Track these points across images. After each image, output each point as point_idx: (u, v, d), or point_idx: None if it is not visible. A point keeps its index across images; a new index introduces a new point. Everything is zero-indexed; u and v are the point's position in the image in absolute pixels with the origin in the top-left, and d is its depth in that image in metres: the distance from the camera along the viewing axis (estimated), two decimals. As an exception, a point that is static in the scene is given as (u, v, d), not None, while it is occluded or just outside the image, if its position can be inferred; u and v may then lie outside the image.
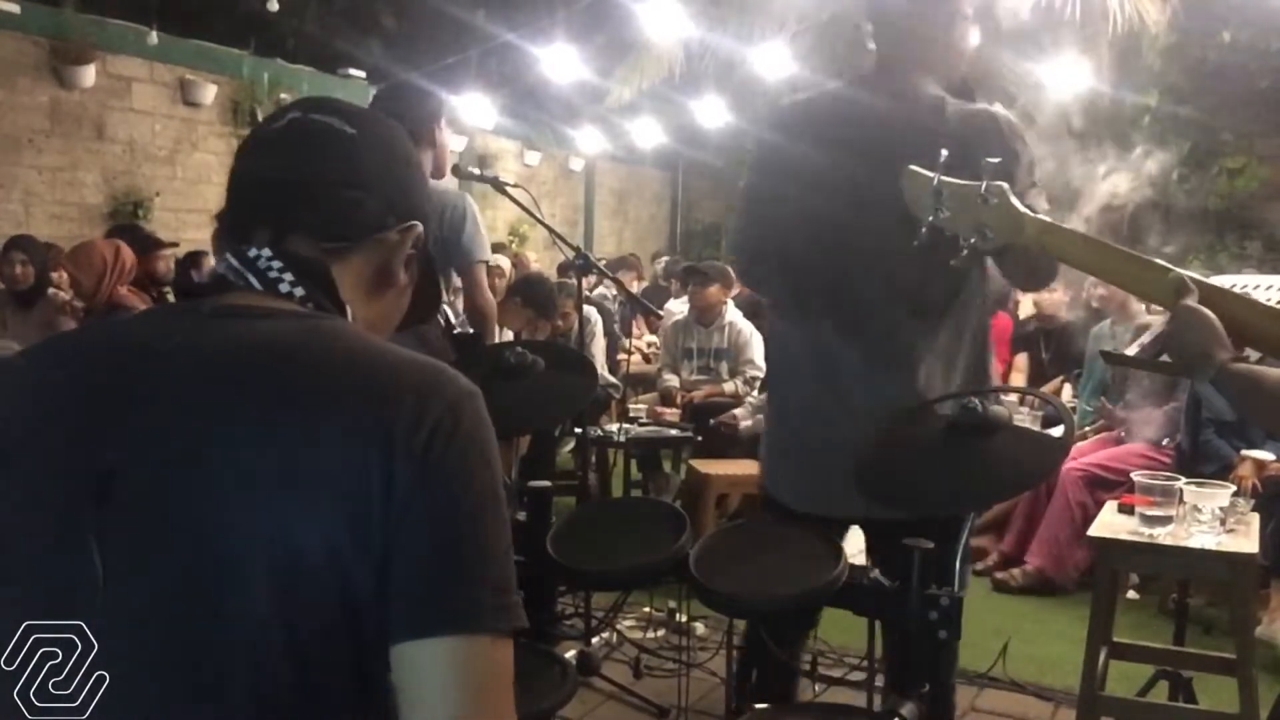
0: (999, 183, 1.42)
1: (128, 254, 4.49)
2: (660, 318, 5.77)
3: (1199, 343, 1.27)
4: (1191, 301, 1.29)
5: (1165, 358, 2.33)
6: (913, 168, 1.49)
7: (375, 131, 0.96)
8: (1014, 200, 1.41)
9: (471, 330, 3.13)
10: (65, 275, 4.61)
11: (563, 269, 7.36)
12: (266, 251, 0.90)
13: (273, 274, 0.90)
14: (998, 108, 2.10)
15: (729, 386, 5.18)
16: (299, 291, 0.90)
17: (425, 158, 3.05)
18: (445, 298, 3.11)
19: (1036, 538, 4.33)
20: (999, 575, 4.32)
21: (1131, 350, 1.90)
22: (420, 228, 0.98)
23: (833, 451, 2.05)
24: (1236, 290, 1.36)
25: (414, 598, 0.79)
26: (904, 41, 2.11)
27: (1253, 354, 1.29)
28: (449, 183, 3.19)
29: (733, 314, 5.37)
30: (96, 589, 0.79)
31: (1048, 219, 1.43)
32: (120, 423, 0.83)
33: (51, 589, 0.81)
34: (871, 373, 2.10)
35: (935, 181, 1.44)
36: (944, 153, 1.49)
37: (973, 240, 1.43)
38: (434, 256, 3.22)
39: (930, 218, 1.46)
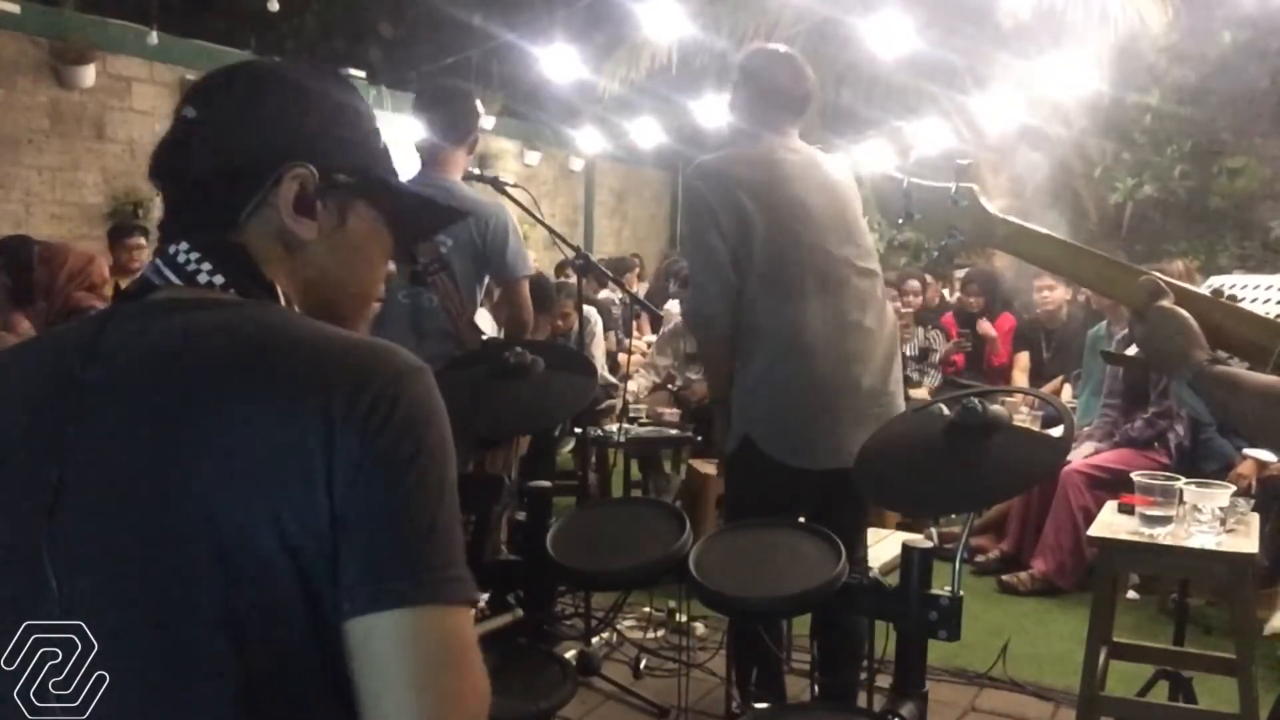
0: (969, 185, 1.43)
1: (97, 268, 4.42)
2: (661, 317, 5.76)
3: (1175, 344, 1.26)
4: (1167, 303, 1.29)
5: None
6: (882, 171, 1.52)
7: (218, 101, 0.93)
8: (984, 202, 1.43)
9: (501, 337, 3.19)
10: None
11: (559, 268, 7.35)
12: (184, 245, 0.91)
13: (191, 266, 0.90)
14: None
15: None
16: (218, 279, 0.89)
17: (465, 160, 3.13)
18: (479, 305, 3.16)
19: (1041, 542, 4.31)
20: (1006, 579, 4.30)
21: (1131, 350, 1.91)
22: (302, 168, 0.91)
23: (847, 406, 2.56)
24: (1207, 292, 1.35)
25: (361, 573, 0.79)
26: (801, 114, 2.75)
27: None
28: (484, 191, 3.24)
29: None
30: (52, 598, 0.80)
31: (1019, 221, 1.44)
32: (65, 430, 0.83)
33: (13, 599, 0.82)
34: (858, 324, 2.61)
35: (905, 184, 1.46)
36: (911, 155, 1.54)
37: (944, 242, 1.44)
38: (468, 265, 3.25)
39: (901, 220, 1.47)
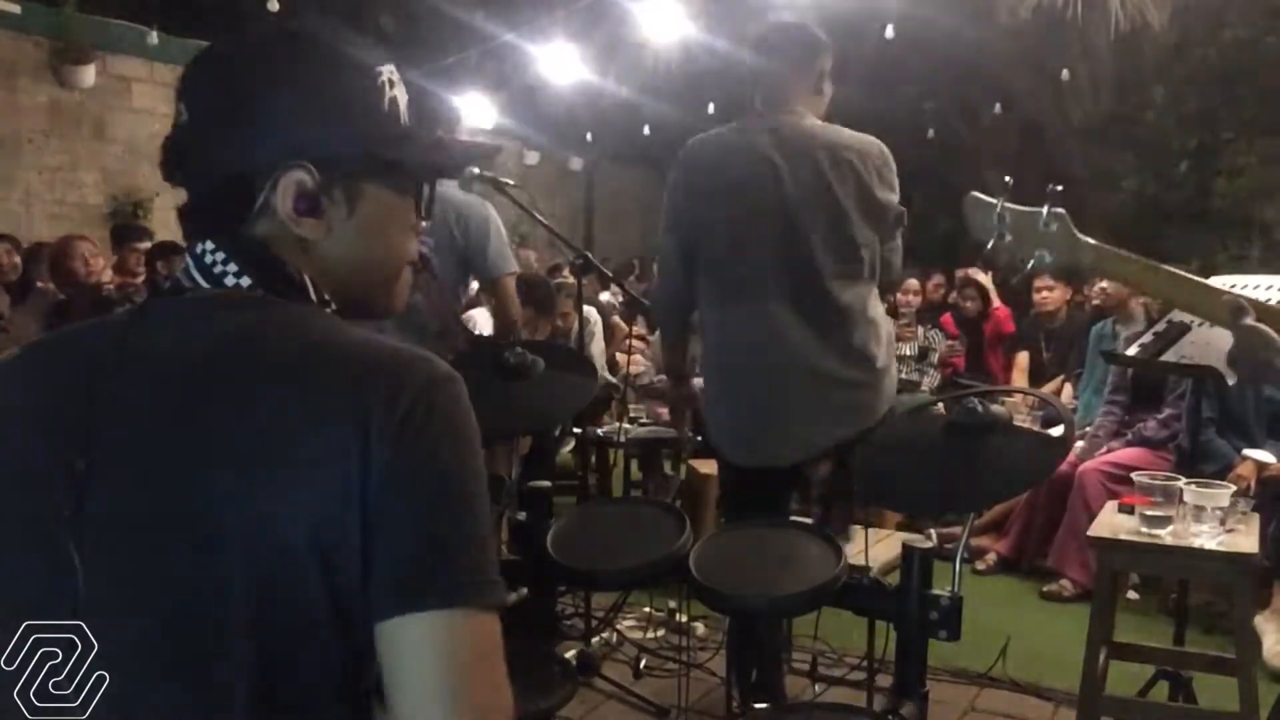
0: (1059, 210, 1.50)
1: (105, 254, 4.53)
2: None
3: (1261, 355, 1.40)
4: (1250, 320, 1.41)
5: (1166, 357, 2.35)
6: (974, 194, 1.59)
7: (203, 103, 0.91)
8: (1073, 226, 1.51)
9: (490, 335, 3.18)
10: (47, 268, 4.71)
11: (551, 270, 7.34)
12: (209, 245, 0.90)
13: (218, 269, 0.89)
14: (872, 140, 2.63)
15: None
16: (245, 281, 0.89)
17: None
18: (460, 303, 3.15)
19: (1063, 547, 4.23)
20: (1047, 589, 4.22)
21: (1132, 350, 1.92)
22: (297, 169, 0.88)
23: (776, 407, 2.56)
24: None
25: (393, 576, 0.79)
26: (782, 88, 2.62)
27: None
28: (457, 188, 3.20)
29: None
30: (76, 591, 0.79)
31: (1107, 246, 1.53)
32: (94, 424, 0.83)
33: (34, 592, 0.82)
34: (818, 334, 2.54)
35: (999, 208, 1.52)
36: (1008, 180, 1.60)
37: (1031, 262, 1.52)
38: (450, 264, 3.23)
39: (993, 240, 1.54)
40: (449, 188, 3.06)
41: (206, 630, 0.79)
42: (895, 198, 2.58)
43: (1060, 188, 1.53)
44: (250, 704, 0.79)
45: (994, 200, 1.54)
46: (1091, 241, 1.50)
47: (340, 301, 0.93)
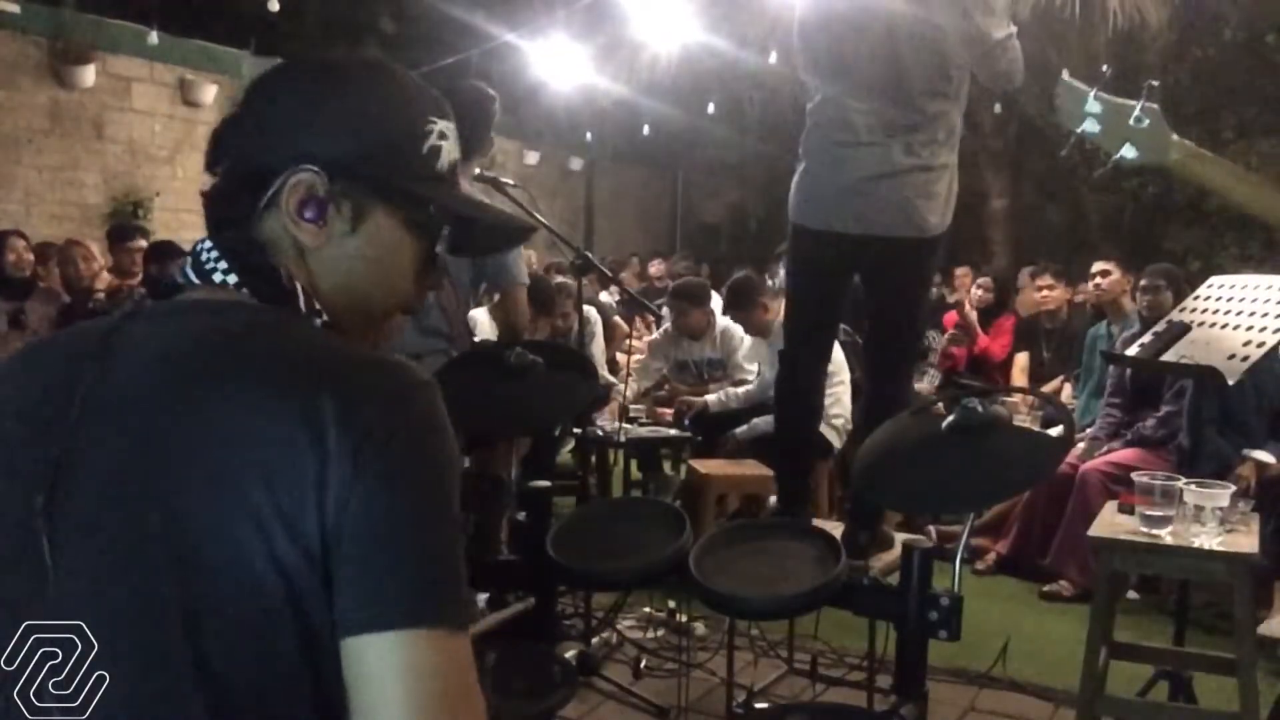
0: (1154, 105, 1.47)
1: (105, 255, 4.58)
2: (661, 317, 5.75)
3: None
4: None
5: (1166, 357, 2.35)
6: (1067, 78, 1.54)
7: (250, 100, 0.94)
8: (1166, 125, 1.48)
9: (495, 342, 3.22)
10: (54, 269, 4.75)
11: (547, 270, 7.34)
12: (207, 244, 0.92)
13: (209, 265, 0.90)
14: None
15: (711, 398, 5.05)
16: (232, 279, 0.89)
17: (473, 167, 3.13)
18: (471, 305, 3.18)
19: (1060, 547, 4.24)
20: (1048, 589, 4.22)
21: (1132, 350, 1.91)
22: (308, 172, 0.89)
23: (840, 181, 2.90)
24: (1206, 293, 1.42)
25: (356, 593, 0.78)
26: None
27: None
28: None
29: (721, 322, 5.32)
30: (46, 589, 0.80)
31: (1195, 147, 1.49)
32: (72, 422, 0.83)
33: (12, 589, 0.82)
34: (904, 130, 2.86)
35: (1093, 94, 1.48)
36: (1105, 69, 1.56)
37: (1118, 155, 1.49)
38: (463, 267, 3.27)
39: (1079, 128, 1.50)
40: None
41: (165, 632, 0.78)
42: (990, 20, 2.80)
43: (1156, 83, 1.50)
44: (213, 711, 0.78)
45: (1087, 88, 1.50)
46: (1180, 140, 1.46)
47: (329, 315, 0.93)
